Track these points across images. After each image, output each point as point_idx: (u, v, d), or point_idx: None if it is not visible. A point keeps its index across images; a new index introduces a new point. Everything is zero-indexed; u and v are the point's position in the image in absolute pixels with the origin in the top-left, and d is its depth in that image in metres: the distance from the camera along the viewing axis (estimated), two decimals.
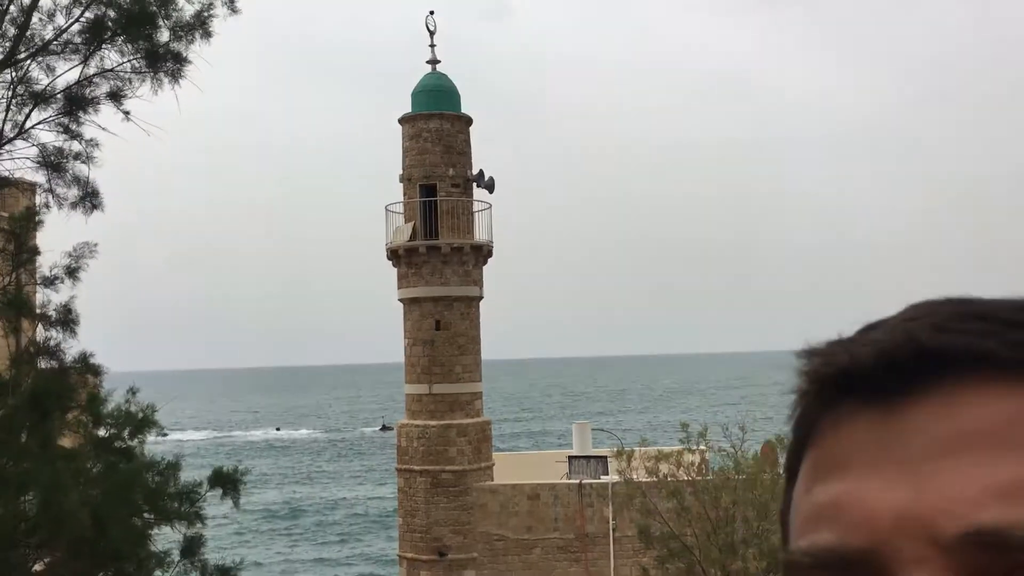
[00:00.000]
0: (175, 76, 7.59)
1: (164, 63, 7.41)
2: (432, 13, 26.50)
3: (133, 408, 9.19)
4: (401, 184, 26.11)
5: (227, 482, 8.53)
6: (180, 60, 7.50)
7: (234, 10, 7.69)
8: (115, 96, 7.60)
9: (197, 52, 7.66)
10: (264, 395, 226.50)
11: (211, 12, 7.63)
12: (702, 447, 18.76)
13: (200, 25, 7.59)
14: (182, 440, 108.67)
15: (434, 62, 26.48)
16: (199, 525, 8.31)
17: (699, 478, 17.99)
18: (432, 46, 26.50)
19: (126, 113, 7.79)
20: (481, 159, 26.49)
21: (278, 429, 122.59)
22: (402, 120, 26.09)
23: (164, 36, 7.50)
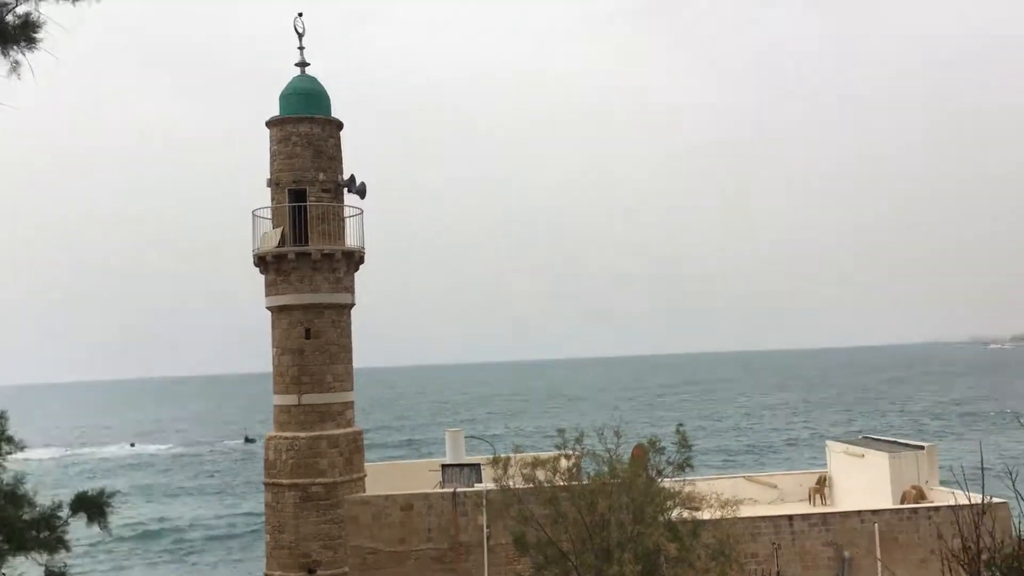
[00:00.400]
0: (29, 42, 6.79)
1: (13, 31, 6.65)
2: (301, 15, 25.81)
3: None
4: (269, 189, 25.29)
5: (92, 506, 7.83)
6: (31, 27, 6.75)
7: None
8: None
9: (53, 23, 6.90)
10: (117, 409, 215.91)
11: None
12: (577, 452, 18.88)
13: None
14: (29, 459, 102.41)
15: (303, 64, 25.79)
16: (63, 552, 7.59)
17: (575, 484, 18.09)
18: (301, 48, 25.79)
19: None
20: (353, 164, 25.98)
21: (132, 445, 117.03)
22: (270, 123, 25.27)
23: None
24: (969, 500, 6.93)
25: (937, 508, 24.46)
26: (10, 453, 8.28)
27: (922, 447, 28.02)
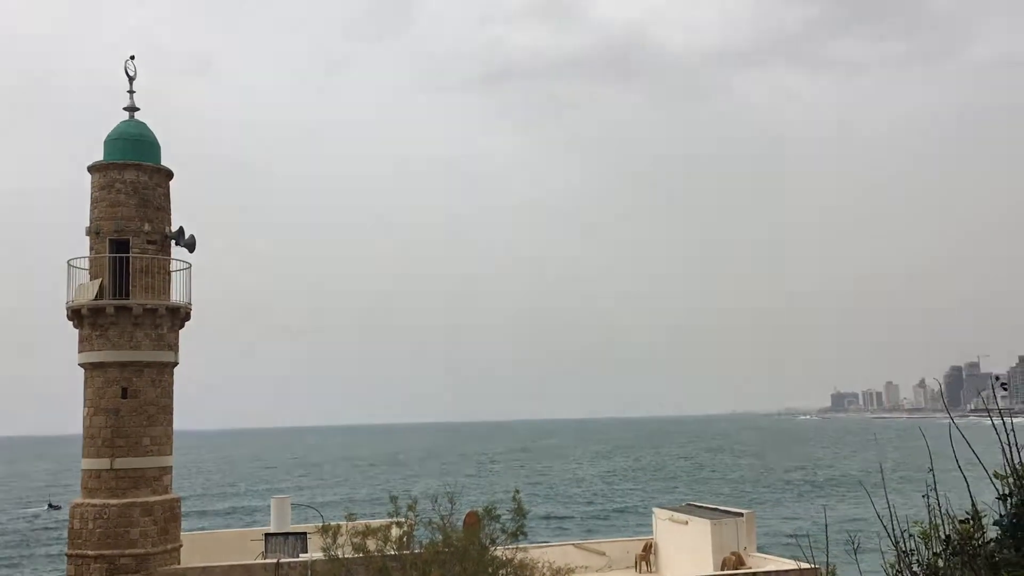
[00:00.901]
0: None
1: None
2: (132, 58, 24.86)
3: None
4: (88, 237, 23.80)
5: None
6: None
7: None
8: None
9: None
10: None
11: None
12: (410, 519, 18.39)
13: None
14: None
15: (132, 109, 24.70)
16: None
17: (407, 553, 17.58)
18: (131, 92, 24.76)
19: None
20: (182, 217, 24.89)
21: None
22: (92, 168, 23.94)
23: None
24: (796, 565, 7.11)
25: (755, 574, 25.30)
26: None
27: (741, 514, 29.06)
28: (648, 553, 30.86)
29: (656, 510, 32.48)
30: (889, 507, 5.98)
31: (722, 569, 26.66)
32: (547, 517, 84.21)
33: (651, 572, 30.17)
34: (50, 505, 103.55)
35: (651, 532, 31.98)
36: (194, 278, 24.62)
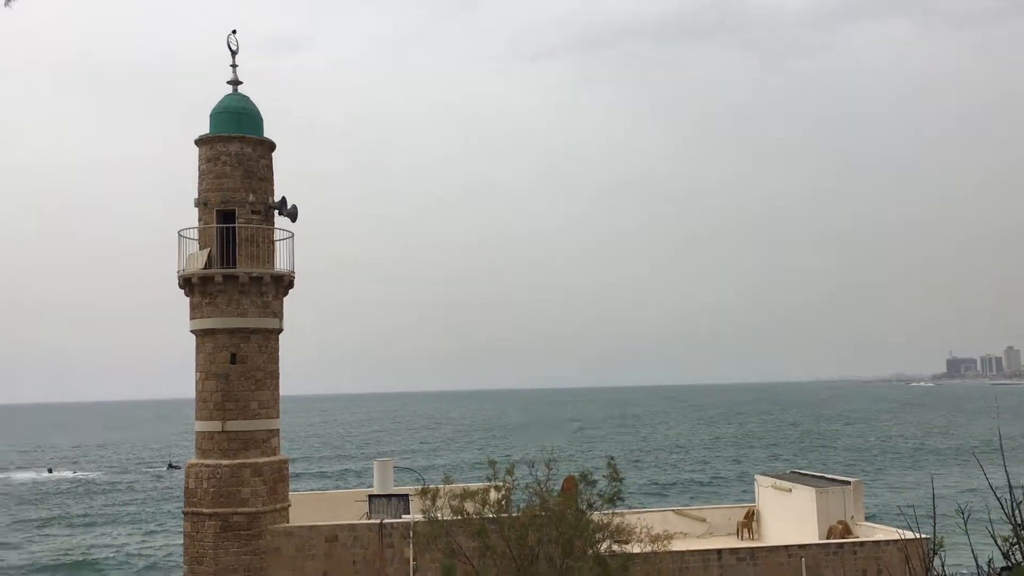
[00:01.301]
0: None
1: None
2: (235, 32, 25.37)
3: None
4: (197, 209, 24.61)
5: None
6: None
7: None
8: None
9: None
10: (33, 433, 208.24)
11: None
12: (507, 484, 18.54)
13: None
14: None
15: (235, 83, 25.27)
16: None
17: (504, 516, 17.74)
18: (234, 66, 25.30)
19: None
20: (284, 187, 25.46)
21: (50, 471, 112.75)
22: (199, 141, 24.65)
23: None
24: (901, 536, 6.82)
25: (862, 543, 24.68)
26: None
27: (848, 482, 28.32)
28: (750, 520, 30.44)
29: (758, 477, 31.96)
30: (1007, 478, 5.68)
31: (828, 538, 26.08)
32: (648, 483, 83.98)
33: (753, 540, 29.75)
34: (170, 465, 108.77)
35: (753, 500, 31.51)
36: (296, 246, 25.23)
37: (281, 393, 24.85)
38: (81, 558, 54.97)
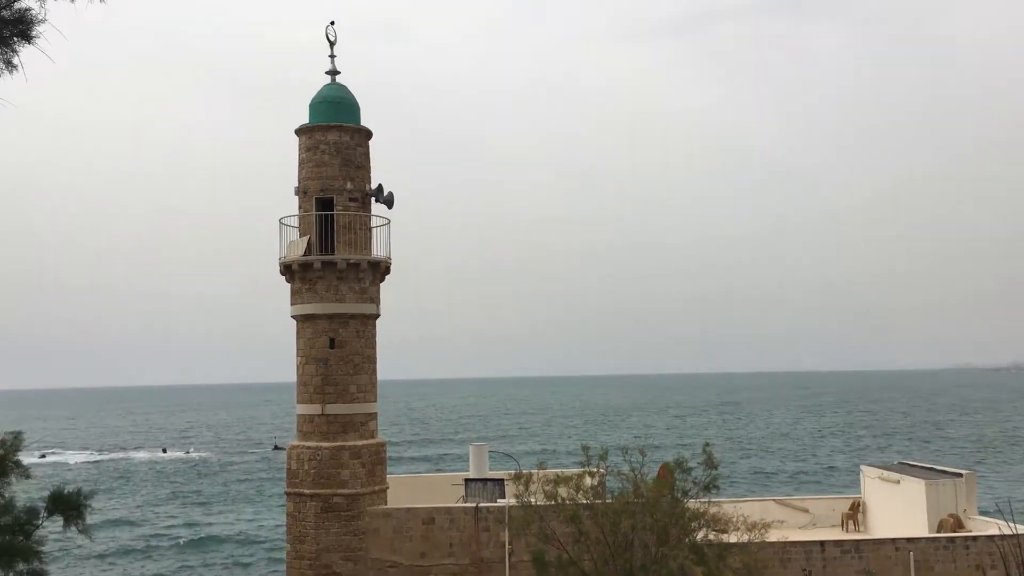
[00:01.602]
0: (24, 36, 6.55)
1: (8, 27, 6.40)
2: (333, 23, 25.75)
3: None
4: (297, 197, 25.17)
5: (68, 507, 7.47)
6: (26, 22, 6.50)
7: None
8: None
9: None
10: (147, 414, 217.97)
11: None
12: (601, 470, 18.41)
13: None
14: (65, 462, 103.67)
15: (334, 73, 25.69)
16: (35, 563, 7.21)
17: (598, 502, 17.61)
18: (332, 57, 25.70)
19: None
20: (380, 175, 25.80)
21: (164, 451, 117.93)
22: (299, 131, 25.17)
23: None
24: (1013, 530, 6.42)
25: (976, 538, 23.63)
26: (21, 476, 7.92)
27: (960, 474, 27.15)
28: (855, 512, 29.52)
29: (864, 468, 30.94)
30: None
31: (939, 531, 25.07)
32: (750, 472, 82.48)
33: (858, 531, 28.84)
34: (276, 447, 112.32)
35: (859, 491, 30.54)
36: (393, 233, 25.54)
37: (379, 377, 25.28)
38: (195, 535, 57.33)
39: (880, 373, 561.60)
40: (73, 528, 7.51)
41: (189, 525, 60.83)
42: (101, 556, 51.34)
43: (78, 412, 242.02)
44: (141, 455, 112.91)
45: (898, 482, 27.92)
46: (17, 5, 6.62)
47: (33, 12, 6.73)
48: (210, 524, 61.08)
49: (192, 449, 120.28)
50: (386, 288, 25.36)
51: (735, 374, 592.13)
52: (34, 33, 6.76)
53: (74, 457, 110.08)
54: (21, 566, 7.17)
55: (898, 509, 27.55)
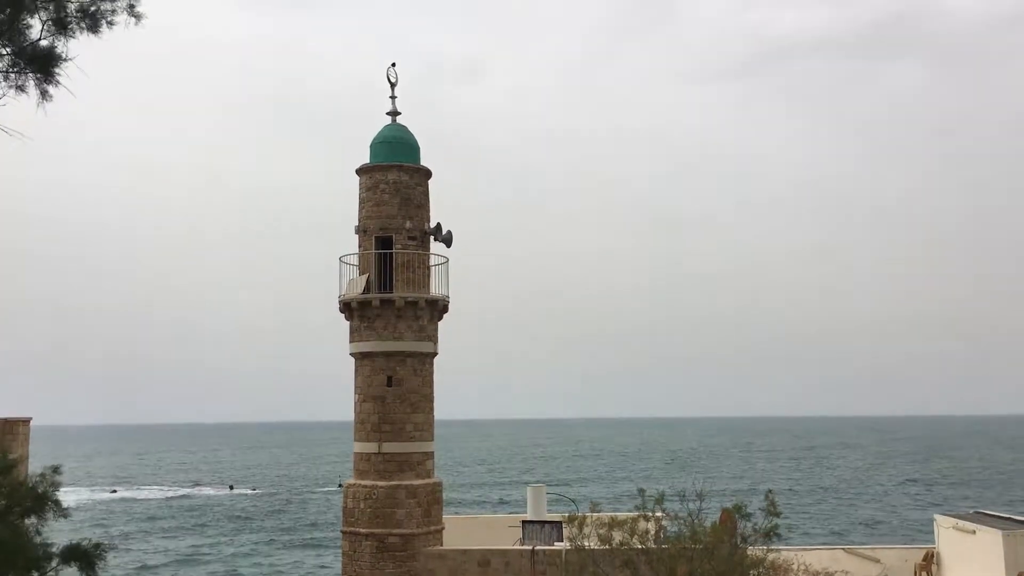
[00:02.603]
0: (45, 75, 6.74)
1: (32, 61, 6.58)
2: (394, 65, 26.18)
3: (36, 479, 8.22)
4: (357, 235, 25.45)
5: (81, 557, 7.56)
6: (51, 59, 6.69)
7: (135, 16, 6.92)
8: None
9: (82, 47, 6.85)
10: (214, 451, 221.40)
11: (102, 6, 6.79)
12: (658, 514, 17.96)
13: (87, 17, 6.73)
14: (130, 498, 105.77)
15: (394, 113, 26.06)
16: None
17: (654, 547, 17.16)
18: (393, 98, 26.11)
19: None
20: (440, 214, 25.97)
21: (231, 488, 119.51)
22: (360, 171, 25.54)
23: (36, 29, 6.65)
24: None
25: None
26: (59, 515, 8.06)
27: None
28: (929, 563, 28.27)
29: (938, 517, 29.67)
30: None
31: None
32: (822, 519, 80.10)
33: None
34: (340, 484, 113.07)
35: (933, 541, 29.28)
36: (451, 272, 25.62)
37: (436, 416, 25.22)
38: (260, 573, 57.73)
39: (960, 418, 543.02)
40: None
41: (253, 562, 61.29)
42: None
43: (148, 447, 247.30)
44: (208, 491, 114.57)
45: (974, 532, 26.70)
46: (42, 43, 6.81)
47: (58, 50, 6.89)
48: (272, 563, 61.44)
49: (258, 486, 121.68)
50: (443, 327, 25.38)
51: (827, 418, 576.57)
52: (57, 70, 6.92)
53: (143, 493, 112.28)
54: None
55: (974, 560, 26.31)
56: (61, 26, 6.76)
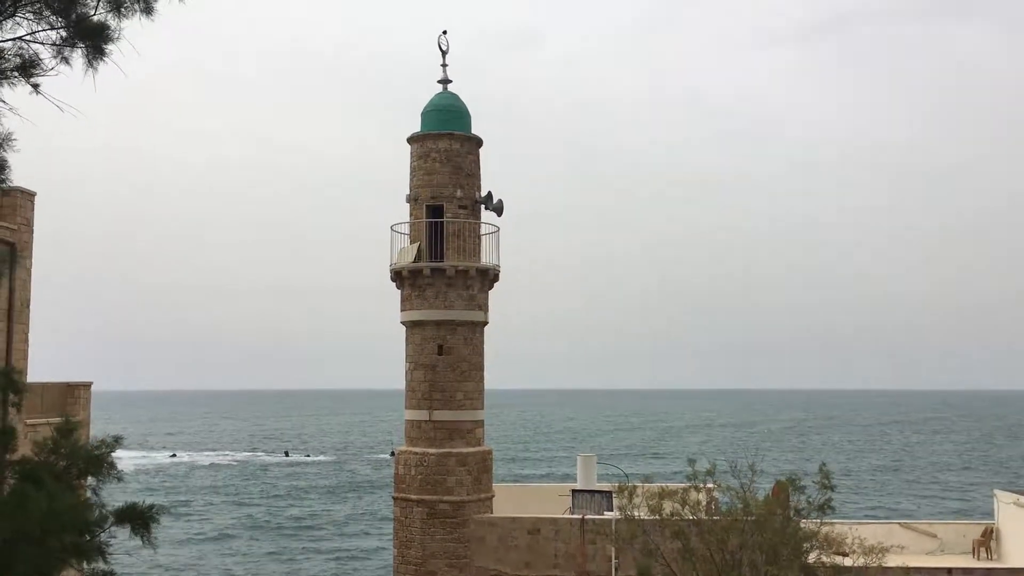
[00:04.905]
0: (97, 51, 6.82)
1: (89, 36, 6.65)
2: (445, 33, 25.96)
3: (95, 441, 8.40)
4: (408, 204, 25.44)
5: (136, 518, 7.69)
6: (104, 35, 6.76)
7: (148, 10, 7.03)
8: (24, 68, 6.84)
9: (137, 29, 6.95)
10: (272, 419, 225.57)
11: None
12: (709, 485, 17.79)
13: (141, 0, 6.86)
14: (187, 461, 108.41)
15: (445, 81, 25.90)
16: (99, 563, 7.43)
17: (705, 518, 17.01)
18: (444, 66, 25.93)
19: (35, 86, 7.00)
20: (492, 182, 25.82)
21: (287, 454, 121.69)
22: (411, 139, 25.47)
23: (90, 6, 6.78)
24: None
25: None
26: (114, 478, 8.26)
27: None
28: (988, 539, 27.67)
29: (998, 492, 29.01)
30: None
31: None
32: (876, 493, 79.08)
33: (991, 560, 27.05)
34: (393, 452, 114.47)
35: (993, 517, 28.65)
36: (502, 241, 25.50)
37: (486, 385, 25.25)
38: (314, 528, 58.90)
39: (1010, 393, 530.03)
40: (139, 538, 7.80)
41: (306, 527, 62.46)
42: (217, 539, 54.03)
43: (215, 412, 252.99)
44: (266, 458, 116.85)
45: None
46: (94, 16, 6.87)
47: (110, 30, 6.98)
48: (325, 529, 62.54)
49: (313, 453, 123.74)
50: (494, 296, 25.32)
51: (906, 392, 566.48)
52: (107, 49, 7.02)
53: (202, 458, 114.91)
54: (84, 565, 7.41)
55: None
56: (116, 6, 6.89)
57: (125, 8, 6.86)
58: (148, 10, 6.95)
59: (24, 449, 8.72)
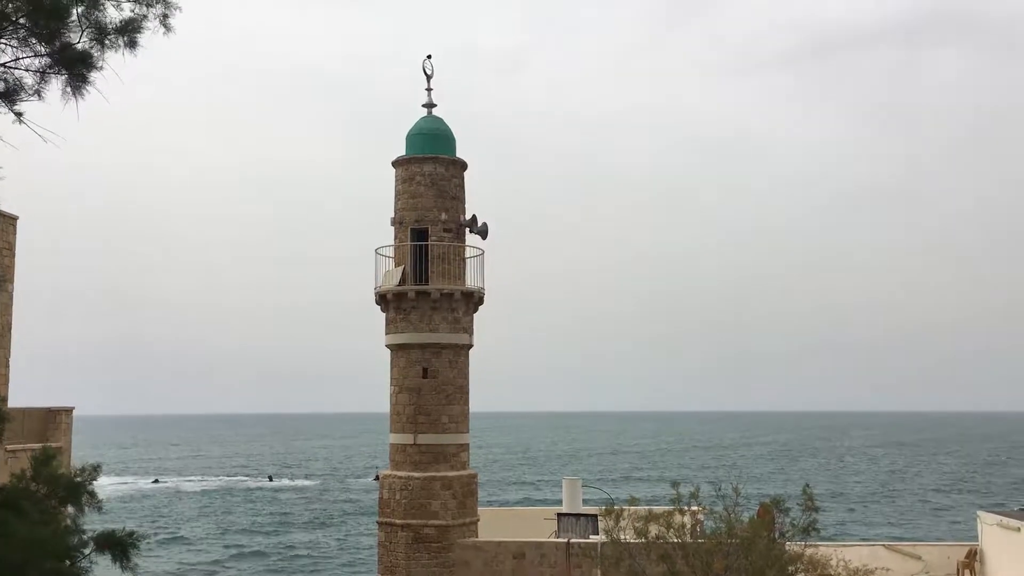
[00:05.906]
0: (80, 80, 6.85)
1: (72, 65, 6.68)
2: (429, 57, 26.15)
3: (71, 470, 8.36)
4: (392, 227, 25.49)
5: (116, 545, 7.66)
6: (87, 63, 6.80)
7: (167, 28, 7.07)
8: (8, 95, 6.85)
9: (119, 61, 7.00)
10: (255, 443, 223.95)
11: (140, 24, 6.97)
12: (694, 508, 17.80)
13: (126, 32, 6.91)
14: (170, 487, 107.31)
15: (430, 105, 26.05)
16: None
17: (690, 541, 17.01)
18: (429, 90, 26.08)
19: (18, 114, 7.03)
20: (476, 206, 25.91)
21: (271, 479, 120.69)
22: (395, 163, 25.57)
23: (76, 36, 6.82)
24: None
25: None
26: (94, 506, 8.22)
27: None
28: (972, 561, 27.76)
29: (981, 514, 29.12)
30: None
31: None
32: (862, 516, 79.12)
33: None
34: (377, 476, 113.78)
35: (976, 538, 28.75)
36: (486, 264, 25.57)
37: (474, 409, 25.21)
38: (295, 561, 58.34)
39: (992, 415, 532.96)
40: (119, 564, 7.79)
41: (290, 555, 61.92)
42: (200, 566, 53.47)
43: (187, 438, 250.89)
44: (249, 483, 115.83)
45: (1019, 530, 26.15)
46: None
47: (94, 57, 7.02)
48: (310, 553, 62.02)
49: (296, 477, 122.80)
50: (479, 319, 25.34)
51: (907, 413, 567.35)
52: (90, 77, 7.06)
53: (185, 484, 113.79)
54: None
55: (1019, 559, 25.77)
56: (100, 39, 6.95)
57: (109, 42, 6.92)
58: (132, 44, 7.02)
59: (3, 476, 8.67)
